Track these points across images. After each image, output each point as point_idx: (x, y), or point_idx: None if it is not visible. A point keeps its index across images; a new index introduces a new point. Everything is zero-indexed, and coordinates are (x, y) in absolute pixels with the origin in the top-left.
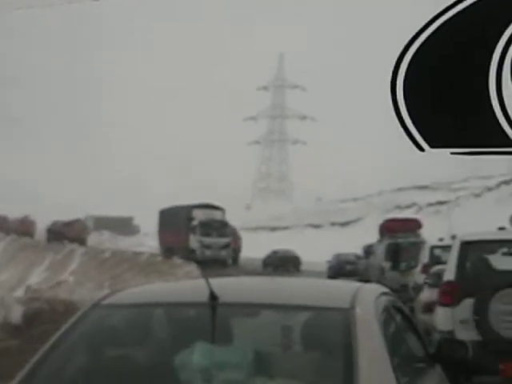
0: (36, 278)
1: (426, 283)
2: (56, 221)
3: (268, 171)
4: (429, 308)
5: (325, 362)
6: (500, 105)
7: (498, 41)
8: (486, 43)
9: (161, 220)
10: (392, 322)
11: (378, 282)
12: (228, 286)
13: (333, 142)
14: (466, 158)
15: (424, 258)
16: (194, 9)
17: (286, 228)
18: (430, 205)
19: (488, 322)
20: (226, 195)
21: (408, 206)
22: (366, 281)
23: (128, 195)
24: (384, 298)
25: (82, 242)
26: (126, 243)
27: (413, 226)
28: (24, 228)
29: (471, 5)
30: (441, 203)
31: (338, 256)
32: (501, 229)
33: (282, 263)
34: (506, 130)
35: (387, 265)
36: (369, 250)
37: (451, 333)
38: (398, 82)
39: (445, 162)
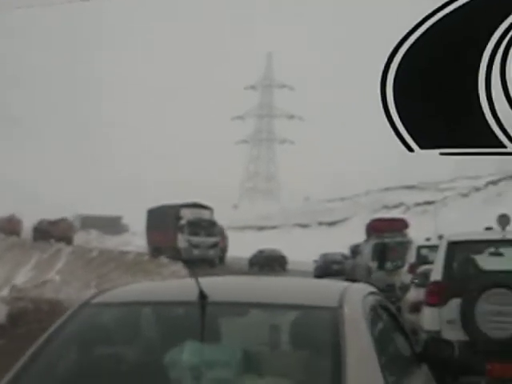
0: (22, 277)
1: (412, 283)
2: (42, 219)
3: (256, 170)
4: (416, 308)
5: (313, 361)
6: (489, 105)
7: (487, 42)
8: (475, 44)
9: (149, 219)
10: (379, 321)
11: (365, 281)
12: (217, 285)
13: (320, 141)
14: (454, 158)
15: (411, 257)
16: (182, 9)
17: (273, 228)
18: (418, 205)
19: (475, 322)
20: (214, 194)
21: (395, 206)
22: (353, 280)
23: (115, 194)
24: (371, 298)
25: (67, 240)
26: (113, 242)
27: (399, 225)
28: (11, 227)
29: (461, 6)
30: (428, 203)
31: (324, 256)
32: (488, 229)
33: (268, 262)
34: (495, 131)
35: (374, 264)
36: (356, 250)
37: (438, 333)
38: (387, 83)
39: (432, 162)
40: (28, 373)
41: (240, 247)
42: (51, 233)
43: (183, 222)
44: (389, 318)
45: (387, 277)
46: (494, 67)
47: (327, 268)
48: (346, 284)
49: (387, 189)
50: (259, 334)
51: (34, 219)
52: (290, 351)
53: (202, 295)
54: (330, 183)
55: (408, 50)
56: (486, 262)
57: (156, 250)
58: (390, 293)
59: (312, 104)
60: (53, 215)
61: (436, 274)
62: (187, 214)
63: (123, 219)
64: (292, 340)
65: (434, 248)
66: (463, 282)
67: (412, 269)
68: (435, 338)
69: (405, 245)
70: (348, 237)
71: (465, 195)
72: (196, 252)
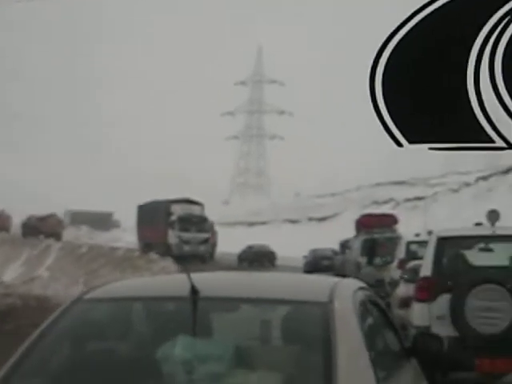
0: (13, 272)
1: (402, 278)
2: (31, 215)
3: (246, 166)
4: (405, 303)
5: (304, 355)
6: (478, 101)
7: (475, 38)
8: (463, 40)
9: (139, 215)
10: (369, 316)
11: (355, 277)
12: (208, 281)
13: (311, 137)
14: (444, 154)
15: (400, 253)
16: (171, 4)
17: (263, 223)
18: (408, 200)
19: (464, 317)
20: (204, 190)
21: (385, 202)
22: (343, 276)
23: (106, 189)
24: (361, 293)
25: (56, 236)
26: (103, 238)
27: (389, 221)
28: (0, 223)
29: (449, 2)
30: (418, 199)
31: (314, 251)
32: (477, 224)
33: (258, 258)
34: (484, 126)
35: (363, 260)
36: (345, 246)
37: (428, 328)
38: (376, 78)
39: (423, 158)
40: (21, 368)
41: (230, 243)
42: (40, 229)
43: (174, 217)
44: (378, 313)
45: (377, 272)
46: (482, 62)
47: (317, 263)
48: (336, 279)
49: (377, 184)
50: (250, 329)
51: (23, 215)
52: (281, 346)
53: (194, 290)
54: (321, 179)
55: (397, 46)
56: (476, 257)
57: (146, 246)
58: (379, 288)
59: (302, 100)
60: (44, 211)
61: (425, 269)
62: (178, 210)
63: (114, 215)
64: (283, 335)
65: (423, 243)
66: (453, 277)
67: (401, 264)
68: (424, 333)
69: (394, 240)
70: (338, 232)
71: (455, 191)
72: (187, 248)
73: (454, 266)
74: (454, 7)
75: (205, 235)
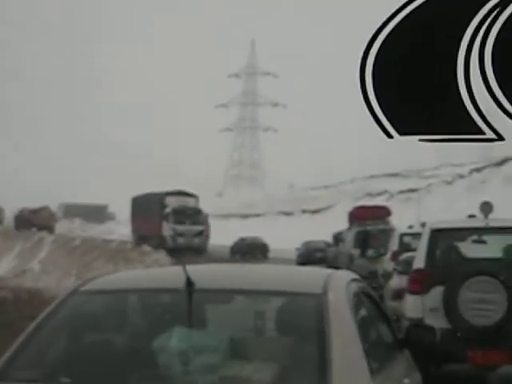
0: (6, 265)
1: (395, 270)
2: (23, 208)
3: (240, 158)
4: (398, 295)
5: (298, 346)
6: (468, 92)
7: (465, 29)
8: (453, 32)
9: (133, 207)
10: (362, 307)
11: (348, 269)
12: (204, 273)
13: (304, 129)
14: (438, 146)
15: (393, 245)
16: None
17: (257, 215)
18: (402, 192)
19: (458, 309)
20: (198, 182)
21: (379, 194)
22: (336, 268)
23: (102, 182)
24: (354, 285)
25: (49, 229)
26: (97, 231)
27: (382, 213)
28: None
29: None
30: (412, 191)
31: (307, 243)
32: (471, 216)
33: (250, 250)
34: (474, 118)
35: (356, 252)
36: (338, 238)
37: (421, 320)
38: (367, 70)
39: (417, 150)
40: (18, 360)
41: (225, 235)
42: (32, 221)
43: (168, 210)
44: (371, 304)
45: (370, 264)
46: (472, 54)
47: (310, 256)
48: (329, 271)
49: (371, 176)
50: (246, 320)
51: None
52: (276, 337)
53: (189, 282)
54: (315, 171)
55: (387, 38)
56: (469, 249)
57: (141, 239)
58: (372, 280)
59: (296, 92)
60: (39, 203)
61: (419, 261)
62: (172, 202)
63: (109, 208)
64: (278, 326)
65: (416, 236)
66: (446, 269)
67: (394, 256)
68: (417, 325)
69: (387, 232)
70: (332, 224)
71: (449, 183)
72: (181, 240)
73: (447, 258)
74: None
75: (199, 227)
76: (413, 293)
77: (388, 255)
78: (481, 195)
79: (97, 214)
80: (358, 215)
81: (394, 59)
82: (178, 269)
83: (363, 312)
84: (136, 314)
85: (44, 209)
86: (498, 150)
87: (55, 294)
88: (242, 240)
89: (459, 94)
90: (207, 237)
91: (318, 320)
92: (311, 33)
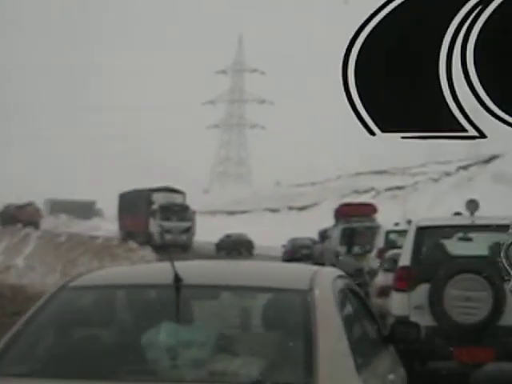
0: None
1: (381, 267)
2: (9, 204)
3: (227, 155)
4: (384, 292)
5: (285, 342)
6: (450, 90)
7: (448, 25)
8: (436, 27)
9: (120, 204)
10: (348, 304)
11: (333, 266)
12: (191, 269)
13: (291, 126)
14: (425, 143)
15: (379, 242)
16: None
17: (244, 212)
18: (388, 189)
19: (443, 307)
20: (184, 179)
21: (366, 191)
22: (322, 265)
23: (90, 178)
24: (340, 281)
25: (34, 225)
26: (83, 227)
27: (368, 210)
28: None
29: None
30: (399, 188)
31: (293, 240)
32: (457, 214)
33: (235, 247)
34: (456, 115)
35: (342, 249)
36: (324, 235)
37: (406, 318)
38: (349, 66)
39: (404, 147)
40: (7, 355)
41: (211, 232)
42: (18, 217)
43: (155, 206)
44: (357, 301)
45: (356, 261)
46: (454, 50)
47: (296, 253)
48: (315, 268)
49: (358, 174)
50: (233, 316)
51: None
52: (263, 332)
53: (177, 278)
54: (301, 168)
55: (370, 33)
56: (455, 247)
57: (128, 235)
58: (358, 277)
59: (283, 89)
60: (26, 199)
61: (404, 258)
62: (159, 199)
63: (97, 204)
64: (265, 321)
65: (402, 233)
66: (432, 267)
67: (380, 253)
68: (402, 322)
69: (373, 229)
70: (318, 221)
71: (435, 180)
72: (168, 237)
73: (433, 256)
74: None
75: (186, 224)
76: (398, 290)
77: (374, 252)
78: (468, 193)
79: (84, 210)
80: (344, 212)
81: (376, 55)
82: (165, 265)
83: (349, 308)
84: (125, 310)
85: (29, 205)
86: (485, 147)
87: (39, 291)
88: (228, 237)
89: (441, 91)
90: (193, 233)
91: (305, 316)
92: (298, 30)
